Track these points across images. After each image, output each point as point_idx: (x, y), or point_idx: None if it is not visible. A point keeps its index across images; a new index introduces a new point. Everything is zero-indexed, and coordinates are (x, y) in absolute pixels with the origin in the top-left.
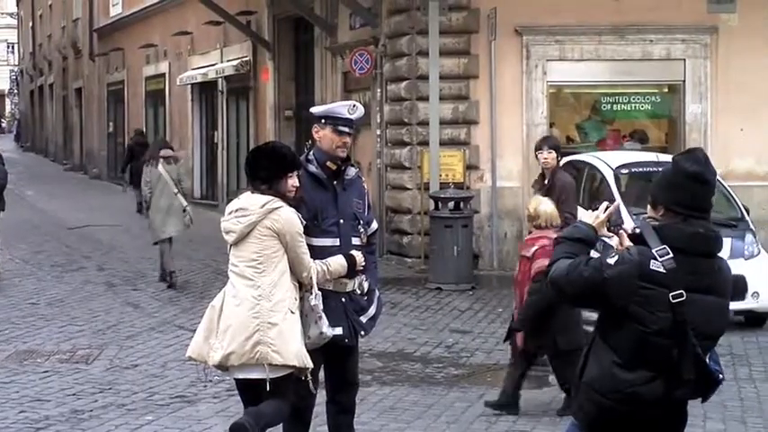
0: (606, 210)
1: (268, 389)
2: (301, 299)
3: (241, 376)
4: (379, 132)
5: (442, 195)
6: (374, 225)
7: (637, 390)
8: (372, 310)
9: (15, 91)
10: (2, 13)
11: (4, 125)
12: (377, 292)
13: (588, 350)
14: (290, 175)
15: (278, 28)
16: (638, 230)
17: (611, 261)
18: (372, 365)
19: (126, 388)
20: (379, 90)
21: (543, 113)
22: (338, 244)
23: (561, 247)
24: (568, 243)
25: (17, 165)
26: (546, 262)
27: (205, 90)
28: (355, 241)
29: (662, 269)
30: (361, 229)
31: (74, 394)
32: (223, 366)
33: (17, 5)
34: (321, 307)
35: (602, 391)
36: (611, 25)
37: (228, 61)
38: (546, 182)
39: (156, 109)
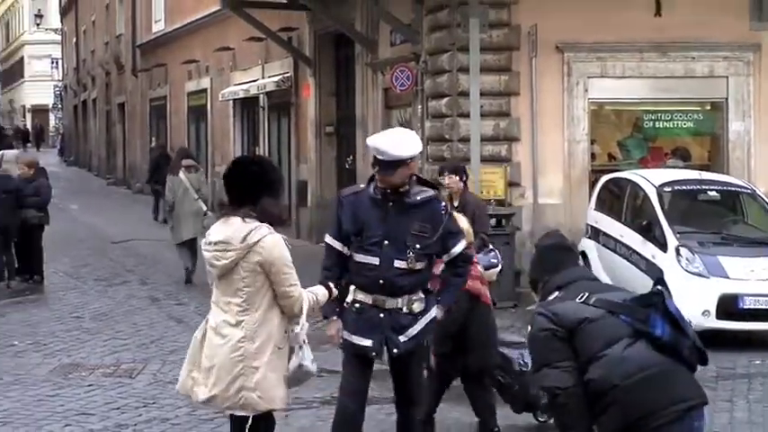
0: None
1: (249, 426)
2: (292, 331)
3: (229, 412)
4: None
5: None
6: (455, 249)
7: (624, 354)
8: (414, 331)
9: (59, 106)
10: (46, 29)
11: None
12: (433, 314)
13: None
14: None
15: (319, 44)
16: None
17: (528, 329)
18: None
19: (169, 403)
20: (419, 106)
21: (584, 130)
22: (377, 263)
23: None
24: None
25: (61, 179)
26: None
27: (247, 106)
28: (398, 264)
29: (557, 298)
30: (410, 254)
31: (118, 408)
32: (209, 404)
33: (61, 21)
34: (303, 338)
35: (605, 386)
36: (652, 42)
37: (270, 77)
38: (456, 206)
39: (198, 124)
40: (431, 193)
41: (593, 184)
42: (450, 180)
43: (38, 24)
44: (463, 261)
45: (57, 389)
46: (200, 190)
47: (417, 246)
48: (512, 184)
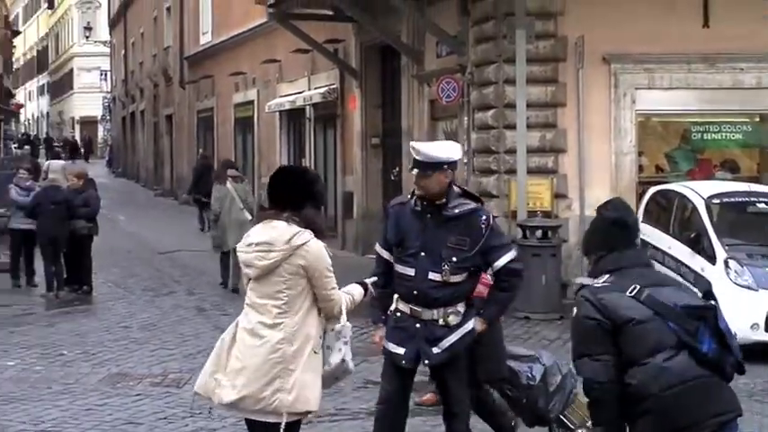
0: None
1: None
2: (331, 330)
3: (255, 418)
4: (465, 160)
5: (530, 224)
6: (498, 263)
7: (664, 365)
8: (447, 343)
9: (108, 117)
10: (95, 42)
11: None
12: (469, 327)
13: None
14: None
15: (365, 56)
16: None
17: (574, 311)
18: None
19: (217, 413)
20: (465, 118)
21: (632, 142)
22: (412, 274)
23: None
24: None
25: (109, 190)
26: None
27: (293, 117)
28: (433, 276)
29: (606, 283)
30: (445, 267)
31: (165, 418)
32: (233, 407)
33: (110, 34)
34: (347, 337)
35: (644, 392)
36: (700, 53)
37: (316, 89)
38: None
39: (244, 136)
40: (471, 205)
41: (640, 196)
42: None
43: (87, 37)
44: (507, 275)
45: (105, 398)
46: (246, 200)
47: (454, 259)
48: (558, 195)
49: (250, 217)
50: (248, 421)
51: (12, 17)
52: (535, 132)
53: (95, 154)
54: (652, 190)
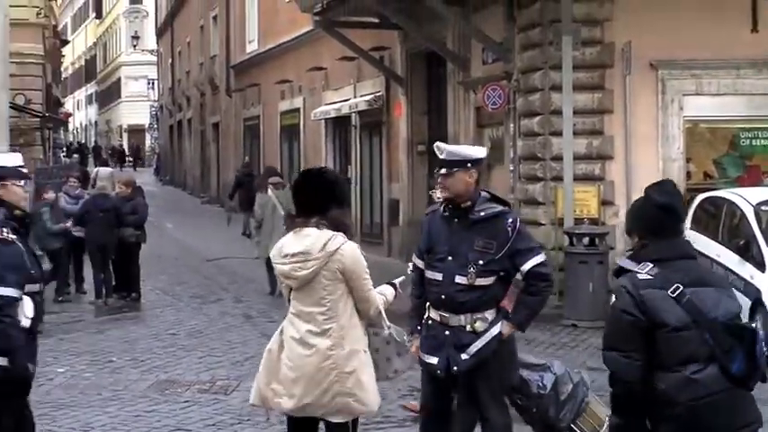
0: None
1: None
2: (375, 335)
3: (324, 418)
4: (512, 168)
5: (577, 231)
6: (525, 266)
7: (694, 377)
8: (474, 348)
9: (155, 126)
10: (142, 50)
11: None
12: (496, 331)
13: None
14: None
15: (411, 63)
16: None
17: (613, 299)
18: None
19: (264, 419)
20: (512, 125)
21: (680, 149)
22: (440, 279)
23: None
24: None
25: (157, 198)
26: None
27: (339, 125)
28: (459, 279)
29: (649, 276)
30: (471, 269)
31: (213, 425)
32: (295, 413)
33: (157, 43)
34: (405, 338)
35: (670, 400)
36: (749, 59)
37: (362, 96)
38: None
39: (290, 143)
40: (498, 208)
41: (688, 203)
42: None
43: (134, 46)
44: (534, 279)
45: (154, 405)
46: (288, 207)
47: (480, 262)
48: (605, 202)
49: None
50: (294, 424)
51: (60, 27)
52: (582, 139)
53: (143, 162)
54: (700, 197)
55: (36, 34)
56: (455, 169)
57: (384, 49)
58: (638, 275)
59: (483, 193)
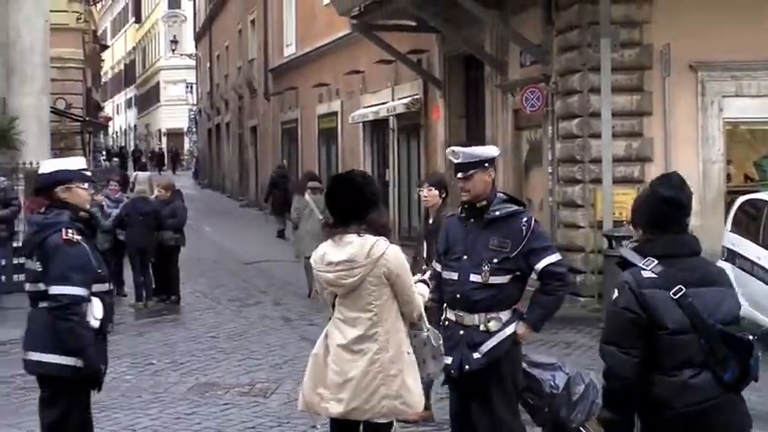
0: None
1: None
2: (414, 336)
3: (372, 420)
4: (550, 170)
5: (616, 234)
6: (539, 265)
7: (689, 382)
8: (486, 347)
9: (194, 129)
10: (181, 55)
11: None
12: (509, 331)
13: (639, 384)
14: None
15: (449, 66)
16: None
17: (615, 294)
18: None
19: (303, 422)
20: (550, 127)
21: (720, 151)
22: (456, 278)
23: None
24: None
25: (195, 201)
26: None
27: (376, 128)
28: (474, 278)
29: (653, 275)
30: (485, 267)
31: (253, 427)
32: (342, 417)
33: (196, 47)
34: (441, 343)
35: (666, 404)
36: None
37: (399, 99)
38: (431, 221)
39: (328, 146)
40: (513, 208)
41: (728, 206)
42: (429, 193)
43: (173, 50)
44: (549, 278)
45: (194, 407)
46: (324, 211)
47: (494, 260)
48: None
49: None
50: (337, 427)
51: (100, 32)
52: (621, 141)
53: (182, 165)
54: (741, 199)
55: (76, 39)
56: (473, 171)
57: (422, 52)
58: (643, 273)
59: (499, 194)
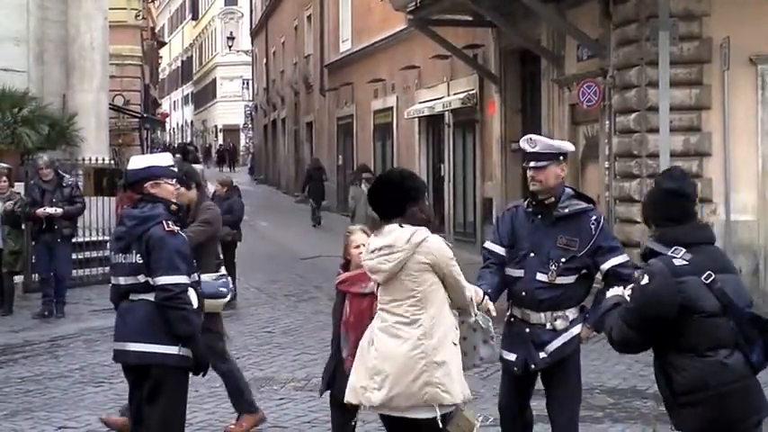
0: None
1: (440, 426)
2: (462, 323)
3: (408, 415)
4: (607, 165)
5: None
6: (605, 265)
7: (725, 361)
8: (552, 347)
9: (250, 125)
10: (237, 51)
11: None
12: (576, 331)
13: (663, 372)
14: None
15: (504, 60)
16: (647, 249)
17: (645, 280)
18: (603, 402)
19: (359, 417)
20: (607, 122)
21: None
22: (522, 275)
23: (608, 319)
24: (610, 312)
25: (251, 197)
26: None
27: (432, 123)
28: (540, 277)
29: (684, 262)
30: (552, 267)
31: (309, 422)
32: (384, 407)
33: (252, 43)
34: (487, 328)
35: (701, 385)
36: None
37: (455, 94)
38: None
39: (383, 142)
40: (582, 205)
41: None
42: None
43: (230, 47)
44: (614, 279)
45: None
46: None
47: (562, 259)
48: (703, 200)
49: None
50: (393, 423)
51: (158, 29)
52: (679, 136)
53: (238, 161)
54: None
55: (134, 36)
56: (548, 162)
57: (478, 46)
58: (675, 261)
59: (567, 189)
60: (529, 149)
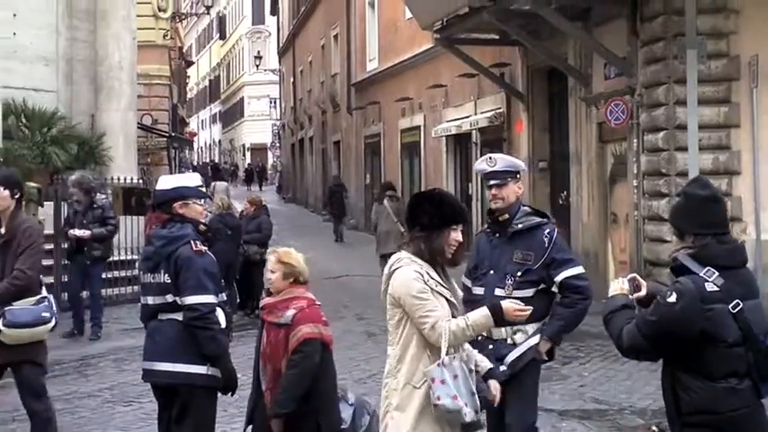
0: (629, 279)
1: None
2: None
3: None
4: (635, 183)
5: None
6: (558, 277)
7: (736, 388)
8: (510, 359)
9: (277, 144)
10: (265, 70)
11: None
12: (532, 342)
13: (671, 389)
14: (455, 227)
15: (532, 79)
16: (678, 263)
17: (673, 298)
18: (634, 422)
19: None
20: (635, 140)
21: None
22: (483, 292)
23: (617, 319)
24: (619, 313)
25: (279, 216)
26: (309, 328)
27: (459, 142)
28: (498, 292)
29: (715, 288)
30: (508, 281)
31: None
32: None
33: (279, 62)
34: (454, 373)
35: (710, 409)
36: None
37: (482, 113)
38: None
39: (411, 161)
40: (536, 220)
41: None
42: None
43: (257, 66)
44: (568, 290)
45: None
46: (399, 215)
47: (518, 273)
48: (733, 219)
49: (403, 229)
50: None
51: (186, 48)
52: (708, 154)
53: (266, 180)
54: None
55: (162, 56)
56: (509, 179)
57: (504, 65)
58: (706, 285)
59: (523, 207)
60: (488, 169)
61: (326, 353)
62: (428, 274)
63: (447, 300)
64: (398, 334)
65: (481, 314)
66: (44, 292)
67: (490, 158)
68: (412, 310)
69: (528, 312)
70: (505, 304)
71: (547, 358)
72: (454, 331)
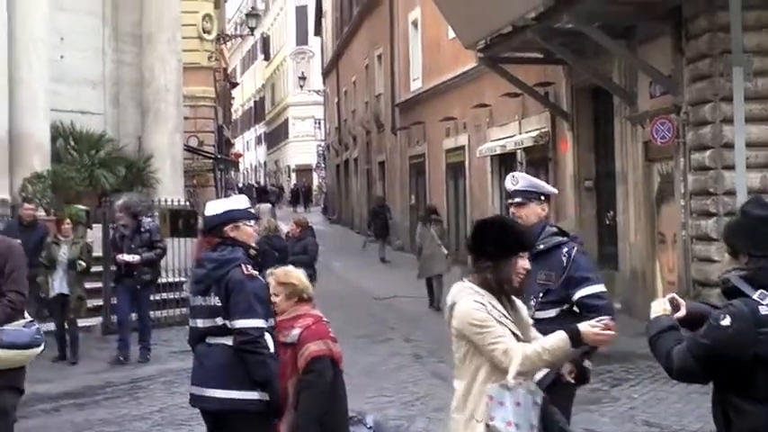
0: (668, 299)
1: None
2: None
3: None
4: (683, 203)
5: None
6: (576, 295)
7: None
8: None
9: (322, 165)
10: (309, 91)
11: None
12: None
13: (722, 412)
14: (521, 254)
15: (576, 98)
16: (730, 284)
17: (726, 321)
18: None
19: None
20: (682, 159)
21: None
22: None
23: (664, 341)
24: (666, 334)
25: (325, 237)
26: (317, 345)
27: (504, 161)
28: None
29: None
30: (532, 302)
31: None
32: None
33: (323, 83)
34: (517, 400)
35: (758, 429)
36: None
37: (527, 132)
38: None
39: (456, 181)
40: (557, 239)
41: None
42: None
43: (301, 86)
44: (584, 310)
45: None
46: (442, 238)
47: (540, 294)
48: None
49: (446, 252)
50: None
51: (230, 70)
52: (755, 173)
53: (312, 201)
54: None
55: (208, 78)
56: (527, 200)
57: (549, 84)
58: (760, 309)
59: (549, 228)
60: (511, 187)
61: (336, 370)
62: (491, 304)
63: (512, 332)
64: (465, 368)
65: (558, 338)
66: (29, 317)
67: (513, 177)
68: (478, 339)
69: (610, 336)
70: (583, 327)
71: (573, 381)
72: (529, 356)
